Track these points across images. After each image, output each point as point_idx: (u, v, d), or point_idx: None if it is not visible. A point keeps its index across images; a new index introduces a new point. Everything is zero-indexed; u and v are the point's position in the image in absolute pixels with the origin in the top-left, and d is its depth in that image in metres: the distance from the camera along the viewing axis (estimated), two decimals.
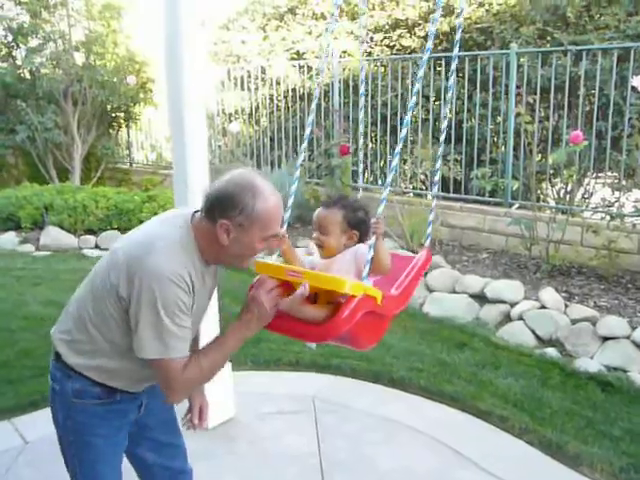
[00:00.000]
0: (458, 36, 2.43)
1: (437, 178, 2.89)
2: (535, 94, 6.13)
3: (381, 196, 2.03)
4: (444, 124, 2.59)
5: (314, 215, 2.22)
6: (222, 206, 1.76)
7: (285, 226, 2.19)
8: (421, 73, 2.32)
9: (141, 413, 2.10)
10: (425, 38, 7.81)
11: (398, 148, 2.18)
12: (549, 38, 6.68)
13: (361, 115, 2.86)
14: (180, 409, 2.24)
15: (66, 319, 1.95)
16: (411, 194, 7.22)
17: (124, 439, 2.06)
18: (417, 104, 7.26)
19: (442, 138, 2.63)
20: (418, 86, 2.33)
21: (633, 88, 5.27)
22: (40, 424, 3.23)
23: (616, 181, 5.95)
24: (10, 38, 9.59)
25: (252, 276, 2.01)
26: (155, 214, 7.52)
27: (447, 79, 6.81)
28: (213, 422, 3.54)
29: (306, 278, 1.93)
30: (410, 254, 2.75)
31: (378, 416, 3.72)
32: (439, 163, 2.72)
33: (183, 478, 2.31)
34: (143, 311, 1.71)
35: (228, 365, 3.57)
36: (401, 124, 7.32)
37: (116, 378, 1.92)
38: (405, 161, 7.45)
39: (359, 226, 2.14)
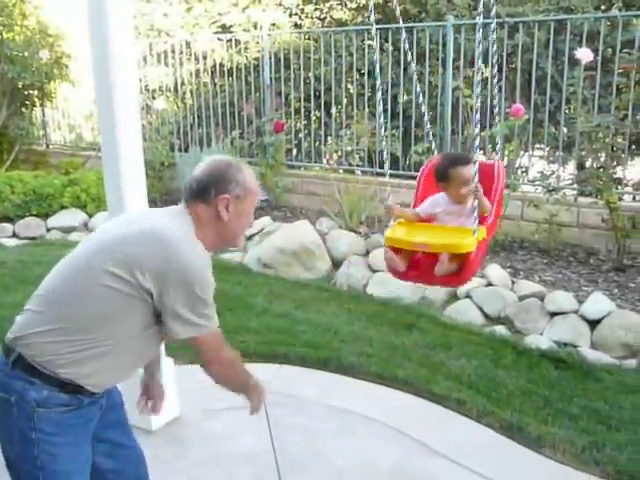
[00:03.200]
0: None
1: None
2: (473, 67, 6.03)
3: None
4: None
5: (462, 172, 2.69)
6: (219, 183, 1.90)
7: None
8: None
9: (99, 414, 1.97)
10: (357, 10, 7.60)
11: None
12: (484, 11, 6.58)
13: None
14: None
15: (44, 319, 1.79)
16: (351, 171, 7.04)
17: (89, 446, 1.96)
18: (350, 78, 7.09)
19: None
20: None
21: (571, 60, 5.25)
22: None
23: (552, 154, 5.96)
24: None
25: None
26: (78, 198, 6.97)
27: (382, 52, 6.64)
28: (157, 423, 3.29)
29: (433, 249, 2.65)
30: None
31: (331, 407, 3.56)
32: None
33: None
34: (182, 299, 1.76)
35: (170, 360, 3.32)
36: (335, 99, 7.12)
37: (104, 373, 1.86)
38: (340, 137, 7.26)
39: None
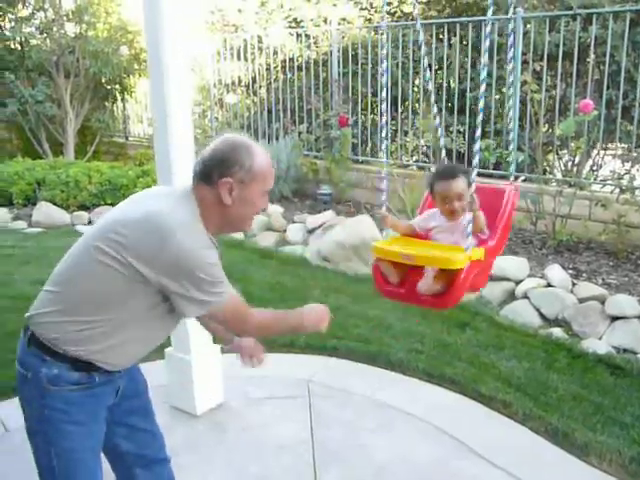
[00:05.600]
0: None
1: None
2: (542, 61, 5.85)
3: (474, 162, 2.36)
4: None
5: (447, 187, 2.51)
6: (222, 165, 1.82)
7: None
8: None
9: (116, 398, 2.00)
10: (427, 4, 7.50)
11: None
12: (556, 2, 6.37)
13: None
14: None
15: (54, 299, 1.83)
16: (413, 167, 6.98)
17: (102, 425, 1.96)
18: (418, 73, 7.01)
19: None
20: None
21: None
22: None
23: (626, 152, 5.70)
24: None
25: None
26: (149, 188, 7.22)
27: (450, 47, 6.53)
28: (201, 408, 3.39)
29: (419, 261, 2.47)
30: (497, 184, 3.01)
31: (375, 401, 3.55)
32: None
33: (160, 467, 2.20)
34: (187, 283, 1.74)
35: (216, 347, 3.41)
36: (402, 94, 7.07)
37: (117, 351, 1.86)
38: (406, 133, 7.20)
39: (470, 184, 2.45)
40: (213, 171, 1.82)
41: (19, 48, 9.35)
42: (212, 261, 1.78)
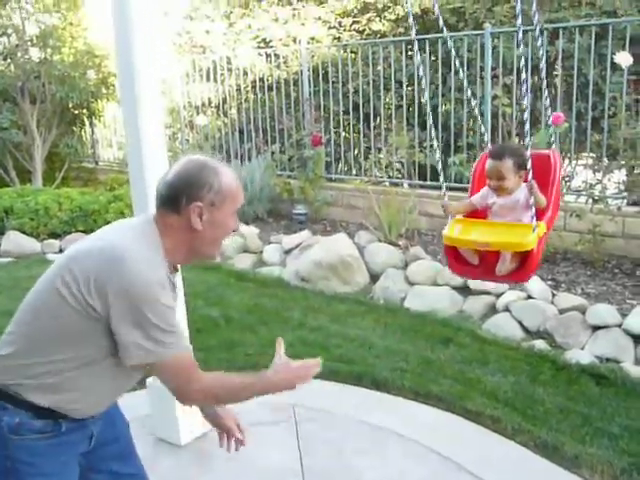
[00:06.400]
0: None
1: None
2: (511, 75, 5.92)
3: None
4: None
5: (489, 166, 2.77)
6: (190, 188, 1.71)
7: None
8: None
9: (92, 445, 1.86)
10: (396, 22, 7.56)
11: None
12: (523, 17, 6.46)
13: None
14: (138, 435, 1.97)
15: (12, 341, 1.71)
16: (387, 183, 6.98)
17: (74, 475, 1.82)
18: (389, 90, 7.05)
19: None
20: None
21: (613, 65, 5.09)
22: None
23: (597, 162, 5.78)
24: None
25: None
26: (122, 213, 7.10)
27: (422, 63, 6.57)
28: (186, 438, 3.30)
29: (495, 247, 2.68)
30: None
31: (362, 422, 3.49)
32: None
33: None
34: (131, 321, 1.59)
35: None
36: (374, 110, 7.09)
37: (80, 399, 1.72)
38: (380, 150, 7.21)
39: (526, 166, 2.61)
40: (180, 195, 1.70)
41: None
42: (165, 302, 1.63)
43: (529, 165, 2.58)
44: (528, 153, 2.61)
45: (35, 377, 1.67)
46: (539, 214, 2.62)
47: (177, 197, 1.70)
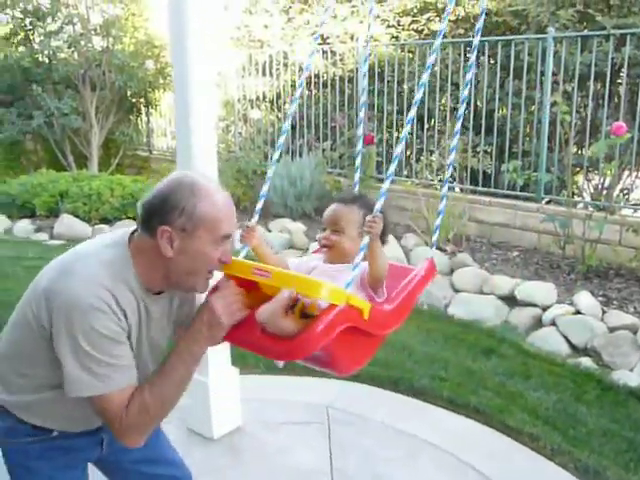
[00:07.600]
0: (481, 23, 2.11)
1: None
2: (573, 82, 5.73)
3: (383, 188, 1.75)
4: (461, 109, 2.20)
5: (327, 210, 1.98)
6: (159, 211, 1.51)
7: (256, 218, 1.94)
8: (432, 60, 1.96)
9: (104, 450, 1.80)
10: (456, 22, 7.41)
11: (405, 131, 1.86)
12: (589, 22, 6.25)
13: None
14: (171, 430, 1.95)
15: None
16: (437, 187, 6.86)
17: (80, 477, 1.80)
18: (445, 92, 6.92)
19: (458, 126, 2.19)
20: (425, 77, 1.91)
21: None
22: None
23: None
24: (28, 21, 9.37)
25: None
26: None
27: (478, 66, 6.44)
28: (218, 432, 3.29)
29: (275, 278, 1.60)
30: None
31: (396, 430, 3.42)
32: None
33: None
34: (65, 344, 1.45)
35: (235, 370, 3.31)
36: (429, 111, 6.97)
37: (48, 418, 1.66)
38: (432, 152, 7.09)
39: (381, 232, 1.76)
40: (152, 217, 1.52)
41: (47, 61, 9.42)
42: (100, 330, 1.45)
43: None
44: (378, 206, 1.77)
45: (14, 392, 1.63)
46: (372, 300, 1.78)
47: (149, 218, 1.53)
